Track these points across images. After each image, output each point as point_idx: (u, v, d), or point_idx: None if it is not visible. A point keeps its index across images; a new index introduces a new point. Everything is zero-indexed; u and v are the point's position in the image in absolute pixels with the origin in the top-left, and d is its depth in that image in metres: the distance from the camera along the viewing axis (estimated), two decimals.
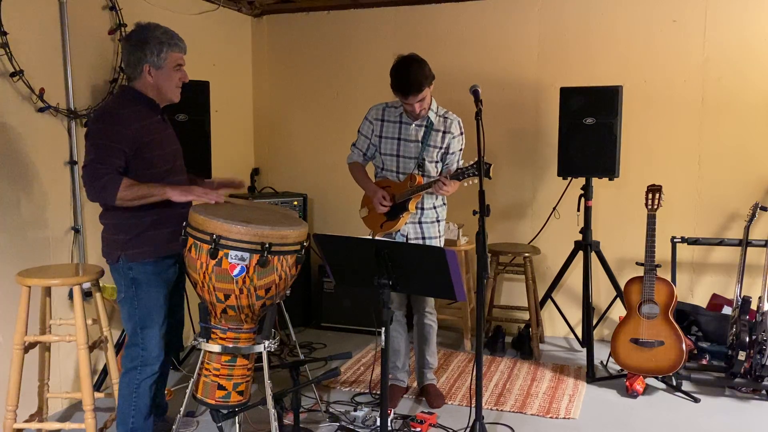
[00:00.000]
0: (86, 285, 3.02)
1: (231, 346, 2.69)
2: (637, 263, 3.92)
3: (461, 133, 3.44)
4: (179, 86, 2.83)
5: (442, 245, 3.53)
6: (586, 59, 4.50)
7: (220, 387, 2.71)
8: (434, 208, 3.47)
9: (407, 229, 3.43)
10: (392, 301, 3.45)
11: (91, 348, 2.98)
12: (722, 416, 3.42)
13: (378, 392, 3.58)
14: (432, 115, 3.37)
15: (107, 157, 2.60)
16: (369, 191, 3.47)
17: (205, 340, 2.70)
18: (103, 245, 2.82)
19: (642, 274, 3.63)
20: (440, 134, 3.38)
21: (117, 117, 2.66)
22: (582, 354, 4.26)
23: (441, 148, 3.40)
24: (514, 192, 4.73)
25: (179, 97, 2.85)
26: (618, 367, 3.83)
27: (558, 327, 4.73)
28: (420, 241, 3.43)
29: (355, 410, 3.37)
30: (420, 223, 3.44)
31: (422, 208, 3.43)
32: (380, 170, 3.51)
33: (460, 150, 3.45)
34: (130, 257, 2.72)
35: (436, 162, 3.42)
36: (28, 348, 2.87)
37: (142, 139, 2.68)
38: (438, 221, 3.50)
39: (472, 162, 3.07)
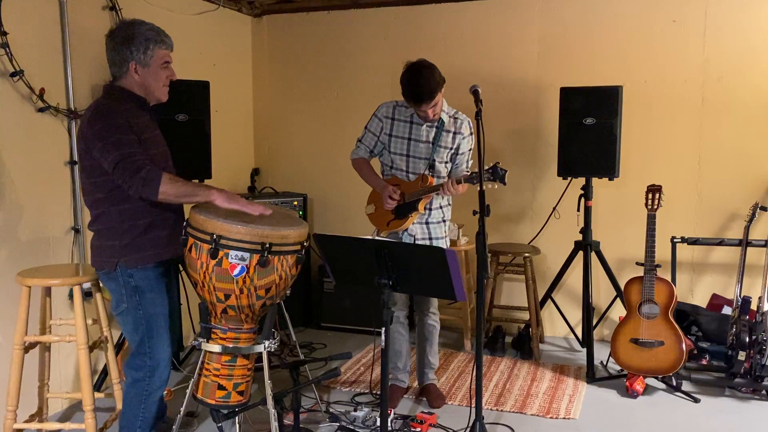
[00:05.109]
0: (86, 285, 3.01)
1: (231, 346, 2.69)
2: (637, 263, 3.91)
3: (471, 134, 3.41)
4: (167, 85, 2.69)
5: (447, 245, 3.53)
6: (586, 59, 4.50)
7: (221, 387, 2.71)
8: (441, 208, 3.47)
9: (415, 230, 3.41)
10: (395, 301, 3.47)
11: (91, 348, 2.98)
12: (722, 416, 3.42)
13: (378, 392, 3.58)
14: (444, 116, 3.34)
15: (135, 148, 2.46)
16: (377, 187, 3.43)
17: (205, 340, 2.70)
18: (96, 253, 2.65)
19: (642, 274, 3.63)
20: (451, 135, 3.36)
21: (116, 113, 2.51)
22: (582, 354, 4.26)
23: (451, 148, 3.38)
24: (514, 192, 4.72)
25: (167, 96, 2.72)
26: (618, 367, 3.83)
27: (558, 327, 4.73)
28: (427, 242, 3.42)
29: (355, 410, 3.37)
30: (428, 223, 3.43)
31: (430, 209, 3.42)
32: (388, 168, 3.47)
33: (470, 150, 3.44)
34: (130, 263, 2.58)
35: (446, 162, 3.41)
36: (28, 348, 2.87)
37: (140, 136, 2.56)
38: (444, 221, 3.50)
39: (488, 166, 2.98)
